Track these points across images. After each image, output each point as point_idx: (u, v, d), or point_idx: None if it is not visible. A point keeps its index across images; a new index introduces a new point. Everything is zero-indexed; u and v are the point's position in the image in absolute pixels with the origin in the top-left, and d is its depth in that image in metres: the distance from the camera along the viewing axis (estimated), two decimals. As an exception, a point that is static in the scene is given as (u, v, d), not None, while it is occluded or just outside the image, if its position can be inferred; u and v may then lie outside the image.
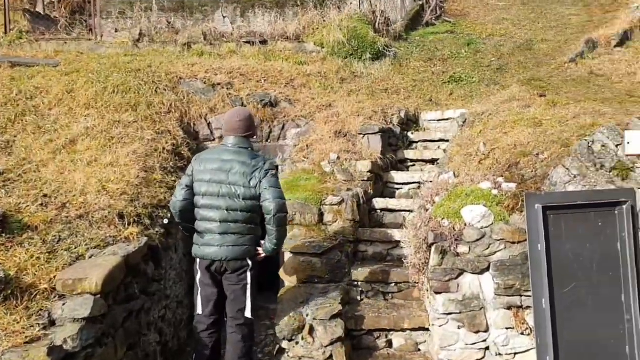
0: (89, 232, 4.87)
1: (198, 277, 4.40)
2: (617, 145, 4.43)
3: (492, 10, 12.37)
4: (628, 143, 4.37)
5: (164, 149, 6.59)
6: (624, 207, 4.25)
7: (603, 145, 4.44)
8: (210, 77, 7.90)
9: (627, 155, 4.41)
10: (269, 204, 4.16)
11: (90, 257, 4.52)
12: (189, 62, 8.35)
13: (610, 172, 4.41)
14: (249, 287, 4.34)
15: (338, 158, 6.79)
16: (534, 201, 4.31)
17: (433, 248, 4.64)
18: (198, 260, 4.38)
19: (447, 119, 7.96)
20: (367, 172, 6.59)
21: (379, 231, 6.06)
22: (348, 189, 6.34)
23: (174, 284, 5.84)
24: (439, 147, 7.58)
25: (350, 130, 7.17)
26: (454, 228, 4.66)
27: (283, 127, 7.48)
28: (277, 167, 4.33)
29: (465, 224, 4.64)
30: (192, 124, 7.40)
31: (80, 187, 5.39)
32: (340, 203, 6.11)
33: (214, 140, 7.40)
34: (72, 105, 7.00)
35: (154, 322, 5.19)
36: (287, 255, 5.80)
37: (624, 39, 8.51)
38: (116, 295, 4.32)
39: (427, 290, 4.84)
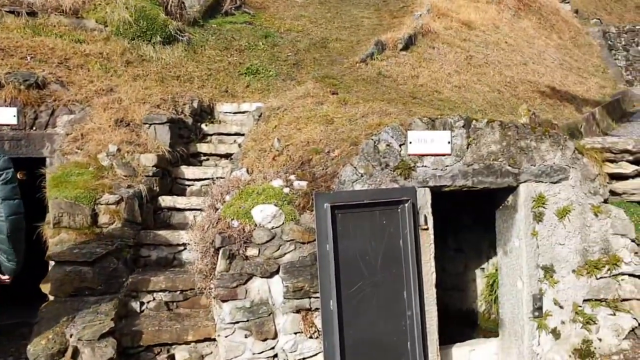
0: None
1: None
2: (400, 145, 4.50)
3: (291, 6, 12.39)
4: (410, 143, 4.46)
5: None
6: (406, 205, 4.33)
7: (388, 145, 4.47)
8: (-44, 48, 6.44)
9: (409, 155, 4.50)
10: (1, 224, 3.44)
11: None
12: None
13: (394, 171, 4.45)
14: None
15: (118, 150, 6.00)
16: (323, 200, 4.16)
17: (220, 252, 4.23)
18: None
19: (243, 112, 7.64)
20: (153, 166, 5.94)
21: (164, 233, 5.47)
22: (129, 186, 5.63)
23: None
24: (235, 141, 7.21)
25: (135, 119, 6.41)
26: (243, 229, 4.31)
27: (52, 113, 6.40)
28: (12, 167, 3.53)
29: (256, 225, 4.33)
30: None
31: None
32: (118, 202, 5.39)
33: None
34: None
35: None
36: (51, 265, 4.90)
37: (409, 43, 9.08)
38: None
39: (214, 298, 4.42)
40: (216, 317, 4.43)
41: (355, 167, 4.42)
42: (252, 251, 4.26)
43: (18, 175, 7.79)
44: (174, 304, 4.98)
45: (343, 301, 4.10)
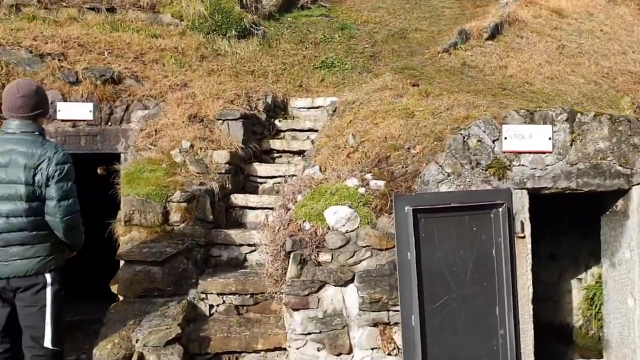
0: None
1: None
2: (494, 141, 3.99)
3: (368, -2, 11.98)
4: (505, 138, 3.95)
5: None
6: (500, 209, 3.82)
7: (479, 140, 3.98)
8: (39, 45, 6.54)
9: (504, 152, 3.99)
10: (56, 223, 3.30)
11: None
12: (14, 27, 6.89)
13: (486, 170, 3.96)
14: (48, 309, 3.35)
15: (191, 146, 5.85)
16: (404, 202, 3.74)
17: (291, 256, 3.93)
18: None
19: (317, 107, 7.33)
20: (225, 163, 5.74)
21: (235, 233, 5.24)
22: (201, 183, 5.45)
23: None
24: (308, 137, 6.91)
25: (208, 114, 6.26)
26: (315, 232, 3.98)
27: (127, 108, 6.37)
28: (69, 162, 3.39)
29: (329, 228, 3.98)
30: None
31: None
32: (190, 200, 5.21)
33: (40, 121, 6.09)
34: None
35: None
36: (121, 264, 4.79)
37: (495, 32, 8.42)
38: None
39: (285, 305, 4.12)
40: (287, 325, 4.13)
41: (440, 166, 3.97)
42: (324, 257, 3.92)
43: (98, 170, 7.91)
44: (244, 307, 4.73)
45: (426, 316, 3.67)
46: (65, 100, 6.16)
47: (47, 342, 3.36)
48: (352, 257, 3.87)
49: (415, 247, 3.66)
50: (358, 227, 3.94)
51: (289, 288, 3.87)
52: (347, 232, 3.93)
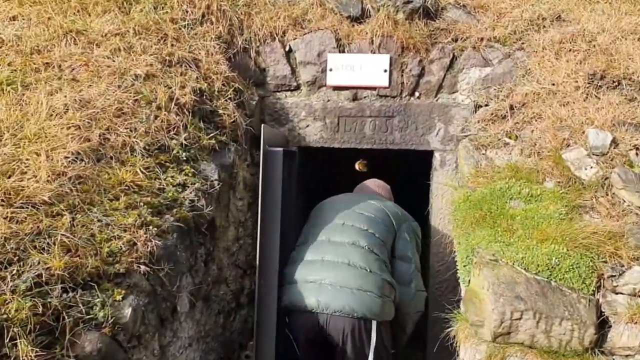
0: None
1: None
2: None
3: None
4: None
5: (172, 99, 2.70)
6: None
7: None
8: (299, -40, 3.81)
9: None
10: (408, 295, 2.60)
11: None
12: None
13: None
14: None
15: (613, 143, 2.54)
16: None
17: None
18: None
19: None
20: None
21: None
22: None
23: None
24: None
25: (630, 72, 2.87)
26: None
27: (451, 64, 3.25)
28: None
29: None
30: (251, 51, 3.36)
31: None
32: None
33: (297, 88, 3.38)
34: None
35: None
36: None
37: None
38: None
39: None
40: None
41: None
42: None
43: (357, 166, 5.13)
44: None
45: None
46: (342, 51, 3.31)
47: None
48: None
49: None
50: None
51: None
52: None
